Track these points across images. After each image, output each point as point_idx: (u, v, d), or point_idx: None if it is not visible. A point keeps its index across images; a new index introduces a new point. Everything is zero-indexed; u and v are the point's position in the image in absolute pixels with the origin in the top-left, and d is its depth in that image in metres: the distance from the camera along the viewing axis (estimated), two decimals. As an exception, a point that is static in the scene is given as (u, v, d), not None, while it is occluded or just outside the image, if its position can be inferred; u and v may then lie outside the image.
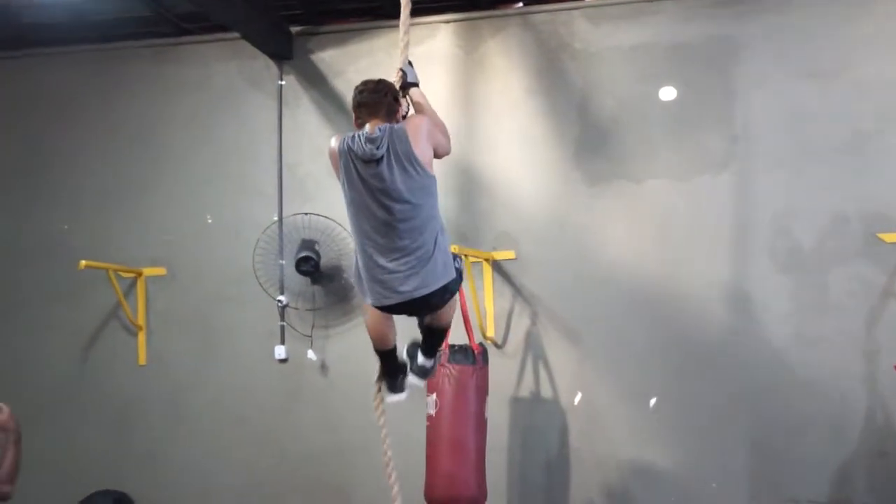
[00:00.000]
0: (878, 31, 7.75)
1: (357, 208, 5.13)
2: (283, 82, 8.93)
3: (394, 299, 5.11)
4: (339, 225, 8.47)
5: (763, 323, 7.77)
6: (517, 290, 8.28)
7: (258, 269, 8.69)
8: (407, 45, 5.91)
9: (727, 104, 7.97)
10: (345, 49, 8.83)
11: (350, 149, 5.04)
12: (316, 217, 8.66)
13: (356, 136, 5.06)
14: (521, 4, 8.61)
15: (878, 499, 7.44)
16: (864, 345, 7.43)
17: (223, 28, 8.76)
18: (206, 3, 8.40)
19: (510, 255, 8.20)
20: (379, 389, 5.84)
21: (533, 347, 8.30)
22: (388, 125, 5.14)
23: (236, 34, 8.60)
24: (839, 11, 7.82)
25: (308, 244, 8.50)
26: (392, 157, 5.04)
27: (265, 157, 8.89)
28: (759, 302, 7.78)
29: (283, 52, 8.88)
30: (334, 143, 5.19)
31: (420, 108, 5.64)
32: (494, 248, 8.25)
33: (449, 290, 5.32)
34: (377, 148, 4.99)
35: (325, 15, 8.93)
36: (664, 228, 8.06)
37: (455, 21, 8.42)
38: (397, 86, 5.65)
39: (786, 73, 7.87)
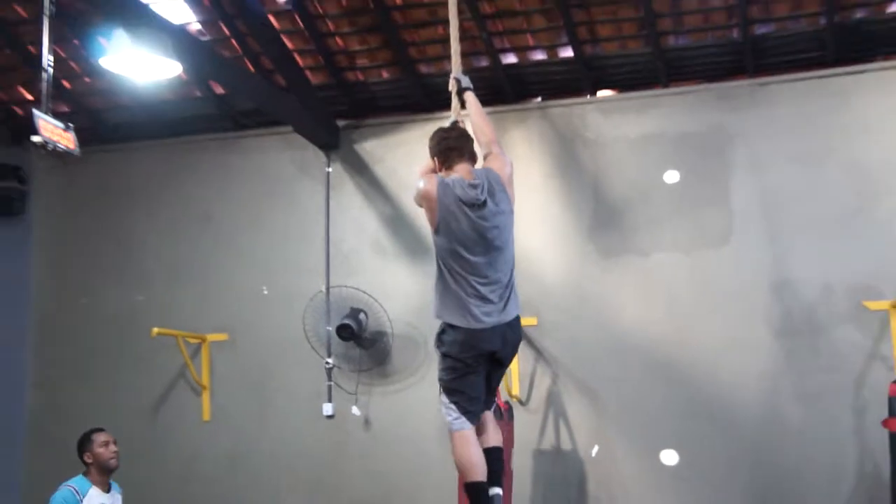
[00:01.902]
0: (855, 120, 7.86)
1: (461, 245, 5.10)
2: (330, 169, 9.08)
3: (490, 320, 5.08)
4: (372, 298, 8.59)
5: (762, 382, 7.78)
6: (539, 353, 8.33)
7: (308, 334, 8.78)
8: (458, 54, 5.93)
9: (724, 186, 8.07)
10: (384, 139, 8.99)
11: (455, 194, 5.06)
12: (357, 290, 8.74)
13: (455, 181, 5.10)
14: (539, 99, 8.75)
15: None
16: (854, 402, 7.45)
17: (278, 122, 8.99)
18: (263, 100, 8.68)
19: (533, 321, 8.13)
20: None
21: (554, 404, 8.31)
22: (483, 170, 5.24)
23: (289, 128, 8.81)
24: (821, 103, 7.94)
25: (355, 312, 8.57)
26: (490, 198, 5.13)
27: (314, 235, 9.00)
28: (758, 363, 7.80)
29: (330, 142, 9.03)
30: (429, 186, 5.11)
31: (477, 109, 5.69)
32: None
33: (519, 321, 5.36)
34: (480, 192, 5.06)
35: (368, 109, 9.10)
36: (671, 297, 8.13)
37: (486, 112, 8.70)
38: (453, 92, 5.75)
39: (776, 158, 7.97)
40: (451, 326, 5.08)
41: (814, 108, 7.99)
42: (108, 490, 6.56)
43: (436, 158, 5.29)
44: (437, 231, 5.10)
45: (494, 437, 5.31)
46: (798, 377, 7.70)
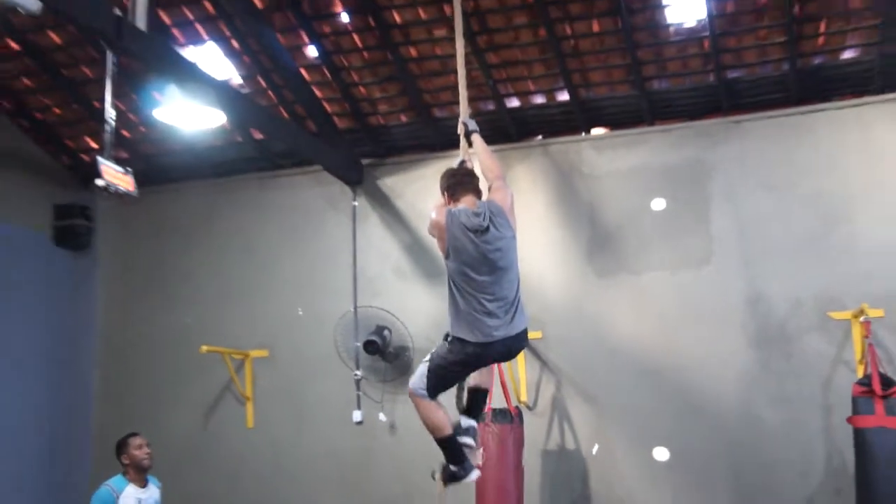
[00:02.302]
0: (816, 153, 8.08)
1: (468, 267, 5.31)
2: (356, 203, 9.34)
3: (498, 338, 5.29)
4: (395, 317, 8.88)
5: (741, 385, 7.99)
6: (544, 363, 8.55)
7: (339, 349, 9.00)
8: (466, 101, 6.25)
9: (705, 213, 8.31)
10: (403, 176, 9.29)
11: (460, 222, 5.29)
12: (381, 310, 8.98)
13: (460, 211, 5.38)
14: (540, 138, 8.99)
15: None
16: (822, 402, 7.66)
17: (309, 162, 9.32)
18: (296, 143, 8.92)
19: (538, 335, 8.34)
20: (443, 489, 5.80)
21: (558, 408, 8.51)
22: (485, 202, 5.52)
23: (319, 167, 9.15)
24: (786, 138, 8.17)
25: (380, 329, 8.81)
26: (493, 224, 5.36)
27: (342, 261, 9.26)
28: (737, 369, 8.02)
29: (355, 179, 9.31)
30: (439, 217, 5.38)
31: (484, 149, 6.00)
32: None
33: (526, 333, 5.56)
34: (482, 220, 5.30)
35: (388, 149, 9.39)
36: (659, 311, 8.34)
37: (493, 151, 8.89)
38: (461, 134, 6.10)
39: (749, 187, 8.23)
40: (461, 340, 5.28)
41: (780, 143, 8.24)
42: (144, 486, 6.96)
43: (445, 193, 5.59)
44: (447, 256, 5.35)
45: (487, 381, 5.71)
46: (772, 381, 7.92)
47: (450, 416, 5.57)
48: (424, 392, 5.44)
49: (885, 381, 6.95)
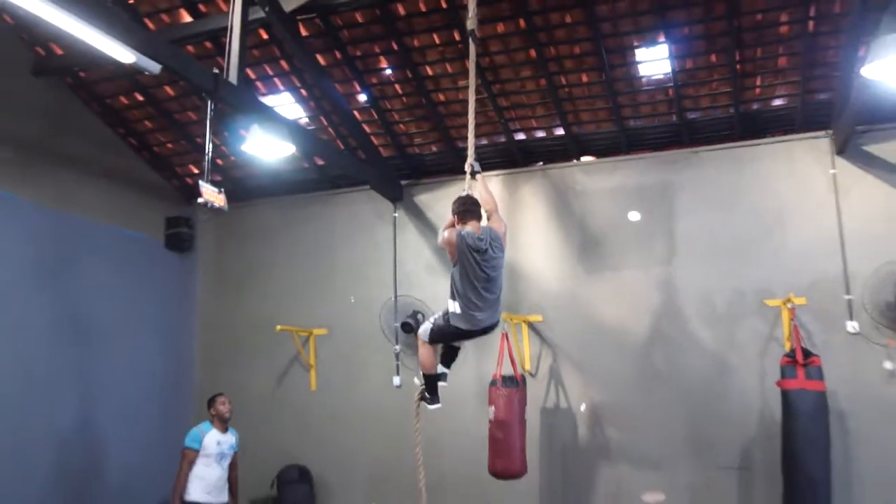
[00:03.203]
0: (755, 178, 8.42)
1: (469, 274, 5.78)
2: (396, 215, 9.69)
3: (483, 325, 5.88)
4: (425, 304, 9.23)
5: (696, 357, 8.34)
6: (544, 340, 8.89)
7: (383, 328, 9.46)
8: (473, 145, 6.60)
9: (669, 223, 8.65)
10: (433, 193, 9.61)
11: (467, 242, 5.77)
12: (415, 298, 9.35)
13: (467, 233, 5.81)
14: (541, 163, 9.26)
15: (767, 463, 7.78)
16: (758, 370, 8.05)
17: (360, 183, 9.66)
18: (349, 168, 9.28)
19: (539, 318, 8.86)
20: (418, 405, 6.49)
21: (554, 375, 8.82)
22: (487, 227, 5.99)
23: (367, 186, 9.51)
24: (732, 166, 8.52)
25: (415, 313, 9.18)
26: (490, 247, 5.85)
27: (386, 260, 9.66)
28: (694, 345, 8.37)
29: (396, 196, 9.65)
30: (451, 237, 5.83)
31: (484, 187, 6.46)
32: (529, 314, 8.85)
33: (499, 321, 6.12)
34: (483, 243, 5.80)
35: (422, 173, 9.73)
36: (635, 300, 8.68)
37: (503, 174, 9.16)
38: (469, 172, 6.48)
39: (705, 202, 8.57)
40: (457, 316, 5.84)
41: (727, 169, 8.56)
42: (224, 431, 7.76)
43: (456, 216, 6.06)
44: (454, 265, 5.86)
45: (461, 343, 6.36)
46: (720, 354, 8.27)
47: (437, 360, 6.26)
48: (427, 340, 6.10)
49: (806, 353, 7.28)
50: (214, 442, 7.68)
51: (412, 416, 8.82)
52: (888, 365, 7.73)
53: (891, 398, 7.70)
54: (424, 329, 6.17)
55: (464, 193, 6.30)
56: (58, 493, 8.26)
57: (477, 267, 5.80)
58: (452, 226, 6.09)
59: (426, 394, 6.35)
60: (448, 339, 6.20)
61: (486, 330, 6.02)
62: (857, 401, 7.76)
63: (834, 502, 7.15)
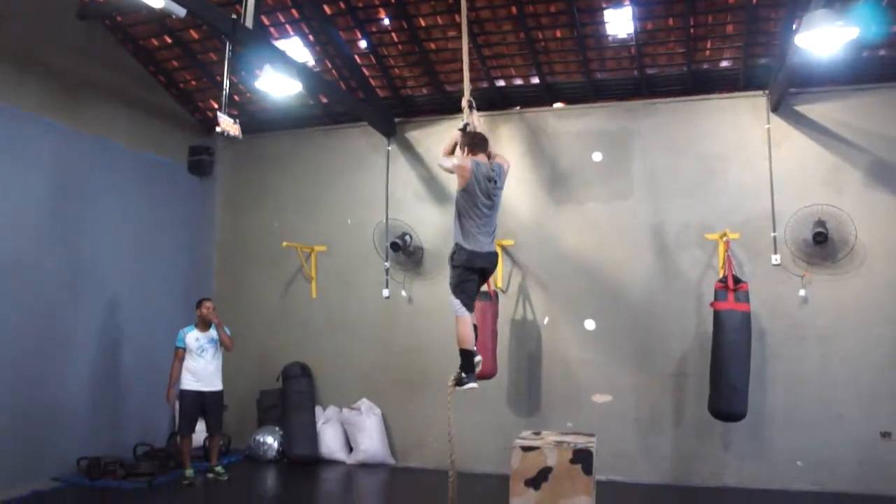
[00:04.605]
0: (702, 127, 8.65)
1: (476, 200, 5.79)
2: (390, 148, 9.79)
3: (485, 250, 5.83)
4: (412, 227, 9.38)
5: (645, 280, 8.64)
6: (514, 261, 9.09)
7: (375, 247, 9.58)
8: (468, 83, 6.67)
9: (628, 164, 8.85)
10: (423, 130, 9.70)
11: (482, 171, 5.81)
12: (403, 221, 9.45)
13: (480, 163, 5.83)
14: (518, 108, 9.35)
15: (698, 371, 8.12)
16: (695, 293, 8.39)
17: (359, 120, 9.73)
18: (349, 106, 9.41)
19: (511, 242, 8.98)
20: (452, 392, 5.78)
21: (522, 292, 9.03)
22: (497, 162, 6.02)
23: (365, 123, 9.63)
24: (685, 116, 8.71)
25: (402, 235, 9.29)
26: (497, 178, 5.92)
27: (379, 187, 9.78)
28: (644, 270, 8.64)
29: (390, 132, 9.76)
30: (466, 162, 5.77)
31: (478, 121, 6.47)
32: (503, 238, 8.71)
33: (497, 255, 6.01)
34: (494, 172, 5.89)
35: (413, 112, 9.78)
36: (596, 229, 8.89)
37: (484, 116, 8.83)
38: (466, 107, 6.44)
39: (658, 148, 8.78)
40: (461, 248, 5.79)
41: (679, 119, 8.77)
42: (205, 331, 8.40)
43: (466, 146, 6.00)
44: (465, 189, 5.76)
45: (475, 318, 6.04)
46: (665, 278, 8.58)
47: (475, 335, 5.82)
48: (463, 309, 5.81)
49: (736, 280, 7.57)
50: (194, 339, 8.38)
51: (398, 324, 9.28)
52: (802, 292, 8.18)
53: (802, 320, 8.19)
54: (452, 304, 5.88)
55: (468, 127, 6.29)
56: (90, 391, 8.68)
57: (484, 194, 5.86)
58: (452, 151, 6.11)
59: (462, 374, 5.84)
60: (465, 278, 5.87)
61: (488, 262, 5.98)
62: (775, 321, 8.22)
63: (750, 401, 7.56)
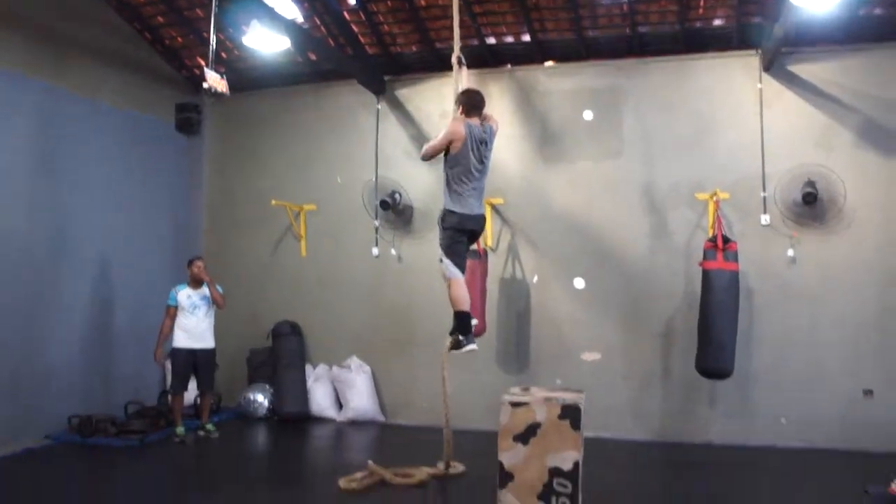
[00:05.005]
0: (695, 87, 8.65)
1: (469, 162, 5.91)
2: (380, 106, 9.77)
3: (475, 212, 6.00)
4: (400, 184, 9.39)
5: (636, 239, 8.67)
6: (504, 220, 9.13)
7: (365, 205, 9.57)
8: (458, 40, 6.74)
9: (619, 122, 8.84)
10: (412, 88, 9.70)
11: (474, 134, 5.93)
12: (393, 180, 9.46)
13: (473, 126, 5.94)
14: (509, 66, 9.31)
15: (686, 329, 8.19)
16: (685, 252, 8.45)
17: (348, 77, 9.64)
18: (338, 64, 9.36)
19: (501, 200, 9.03)
20: (452, 347, 6.02)
21: (512, 251, 9.08)
22: (489, 125, 6.14)
23: (354, 80, 9.57)
24: (676, 75, 8.72)
25: (392, 193, 9.32)
26: (489, 139, 6.08)
27: (369, 145, 9.75)
28: (634, 228, 8.67)
29: (379, 89, 9.73)
30: (460, 127, 5.87)
31: (467, 79, 6.64)
32: (493, 196, 8.81)
33: (485, 217, 6.22)
34: (486, 134, 6.04)
35: (403, 69, 9.75)
36: (586, 188, 8.91)
37: (474, 74, 8.64)
38: (456, 64, 6.55)
39: (650, 106, 8.77)
40: (451, 211, 5.96)
41: (671, 78, 8.77)
42: (197, 289, 8.50)
43: (462, 107, 6.11)
44: (458, 154, 5.89)
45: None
46: (655, 237, 8.62)
47: (468, 295, 6.01)
48: (456, 270, 6.03)
49: (725, 240, 7.68)
50: (186, 297, 8.46)
51: (387, 282, 9.37)
52: (790, 252, 8.25)
53: (790, 280, 8.28)
54: (444, 266, 6.04)
55: (466, 87, 6.37)
56: (80, 351, 8.74)
57: (477, 159, 6.02)
58: (461, 120, 6.16)
59: (459, 335, 6.02)
60: (457, 239, 6.07)
61: (477, 224, 6.15)
62: (763, 281, 8.30)
63: (737, 360, 7.72)
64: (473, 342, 6.09)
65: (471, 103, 6.12)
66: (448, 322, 6.40)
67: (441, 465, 6.74)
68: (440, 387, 6.42)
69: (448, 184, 5.99)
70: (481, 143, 5.98)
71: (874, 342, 8.04)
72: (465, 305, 6.01)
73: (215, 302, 8.64)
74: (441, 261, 6.08)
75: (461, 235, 6.04)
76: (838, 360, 8.12)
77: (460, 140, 5.88)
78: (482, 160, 6.01)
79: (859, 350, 8.07)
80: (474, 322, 6.09)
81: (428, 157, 6.24)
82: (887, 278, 8.07)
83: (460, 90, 6.46)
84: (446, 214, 5.99)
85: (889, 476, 3.37)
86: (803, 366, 8.20)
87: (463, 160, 5.91)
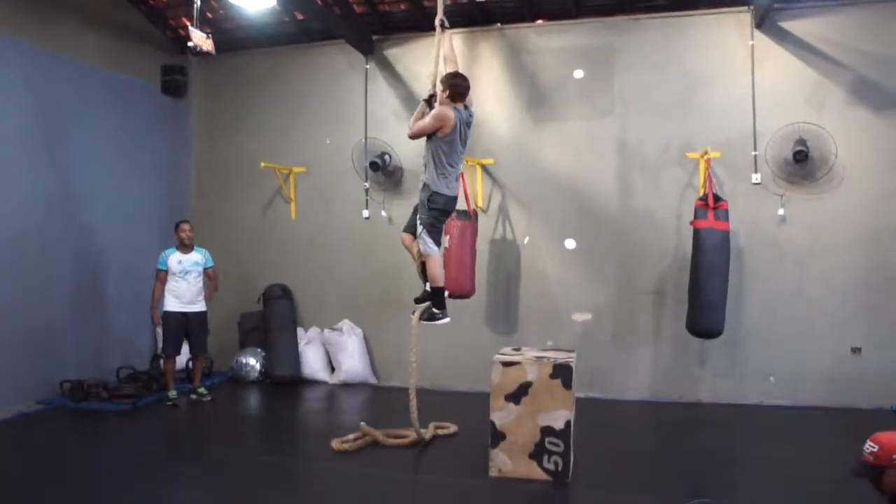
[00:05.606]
0: (687, 45, 8.63)
1: (456, 146, 6.08)
2: (368, 66, 9.72)
3: (455, 192, 6.20)
4: (390, 146, 9.34)
5: (625, 199, 8.71)
6: (494, 180, 9.17)
7: (355, 167, 9.58)
8: (442, 4, 6.65)
9: (610, 80, 8.82)
10: (401, 48, 9.64)
11: (461, 119, 6.05)
12: (383, 141, 9.42)
13: (460, 111, 6.07)
14: (499, 24, 9.26)
15: (676, 289, 8.31)
16: (676, 211, 8.52)
17: (336, 37, 9.62)
18: (326, 23, 9.29)
19: (491, 161, 9.09)
20: (426, 318, 6.27)
21: (502, 211, 9.13)
22: (470, 110, 6.24)
23: (342, 40, 9.54)
24: (667, 33, 8.69)
25: (382, 154, 9.32)
26: (469, 126, 6.21)
27: (358, 106, 9.72)
28: (624, 188, 8.70)
29: (368, 49, 9.67)
30: (449, 113, 5.98)
31: (450, 42, 6.55)
32: (483, 157, 9.05)
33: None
34: (470, 118, 6.20)
35: (391, 29, 9.69)
36: (576, 148, 8.92)
37: (464, 32, 9.13)
38: (439, 26, 6.50)
39: (641, 64, 8.75)
40: (440, 193, 6.11)
41: (663, 36, 8.73)
42: (187, 253, 8.50)
43: (448, 90, 6.15)
44: (447, 136, 6.04)
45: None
46: (645, 197, 8.66)
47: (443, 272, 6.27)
48: (435, 247, 6.23)
49: (716, 199, 7.74)
50: (176, 261, 8.48)
51: (377, 244, 9.36)
52: (781, 211, 8.30)
53: (781, 239, 8.34)
54: (424, 243, 6.20)
55: (454, 71, 6.40)
56: (71, 316, 8.76)
57: (462, 142, 6.21)
58: (428, 104, 6.33)
59: (434, 309, 6.27)
60: (438, 219, 6.26)
61: (455, 205, 6.34)
62: (754, 240, 8.37)
63: (726, 319, 7.80)
64: (448, 316, 6.31)
65: (458, 91, 6.20)
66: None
67: (419, 430, 6.71)
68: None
69: (436, 166, 6.13)
70: (466, 127, 6.16)
71: (862, 301, 8.13)
72: (442, 282, 6.25)
73: (210, 282, 8.74)
74: (421, 237, 6.23)
75: (444, 216, 6.27)
76: (827, 319, 8.22)
77: (450, 126, 6.03)
78: (465, 142, 6.22)
79: (847, 309, 8.17)
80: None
81: (414, 138, 6.35)
82: (877, 236, 8.15)
83: (444, 63, 6.54)
84: (434, 196, 6.13)
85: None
86: (792, 324, 8.29)
87: (451, 144, 6.07)
